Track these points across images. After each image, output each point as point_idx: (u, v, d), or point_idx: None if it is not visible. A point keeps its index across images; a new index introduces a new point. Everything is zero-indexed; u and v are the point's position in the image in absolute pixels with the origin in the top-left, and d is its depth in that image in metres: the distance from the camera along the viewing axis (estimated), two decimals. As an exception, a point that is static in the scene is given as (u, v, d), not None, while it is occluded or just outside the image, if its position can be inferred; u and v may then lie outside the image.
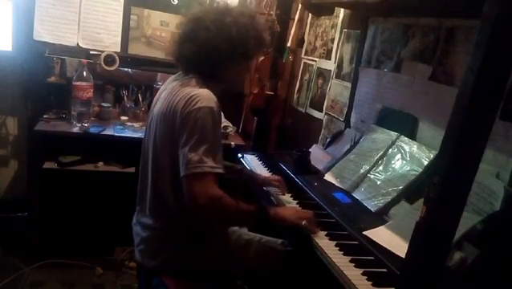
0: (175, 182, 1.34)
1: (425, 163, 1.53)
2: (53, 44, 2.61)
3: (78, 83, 2.45)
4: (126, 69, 2.78)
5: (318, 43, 2.59)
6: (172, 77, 1.51)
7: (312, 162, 2.00)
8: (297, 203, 1.66)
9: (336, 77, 2.34)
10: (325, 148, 2.18)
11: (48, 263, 2.39)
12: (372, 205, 1.55)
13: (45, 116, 2.53)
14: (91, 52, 2.66)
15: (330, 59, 2.42)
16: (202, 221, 1.39)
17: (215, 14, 1.37)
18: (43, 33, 2.59)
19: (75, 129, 2.42)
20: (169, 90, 1.39)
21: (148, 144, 1.45)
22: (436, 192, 0.82)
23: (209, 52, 1.34)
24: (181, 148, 1.27)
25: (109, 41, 2.72)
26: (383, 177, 1.62)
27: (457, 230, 0.87)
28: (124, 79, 2.79)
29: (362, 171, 1.70)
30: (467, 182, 0.83)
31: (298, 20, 2.70)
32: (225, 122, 2.70)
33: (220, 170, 1.28)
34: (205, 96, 1.29)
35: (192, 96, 1.28)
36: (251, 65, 1.61)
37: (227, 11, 1.38)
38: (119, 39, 2.75)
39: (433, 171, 1.30)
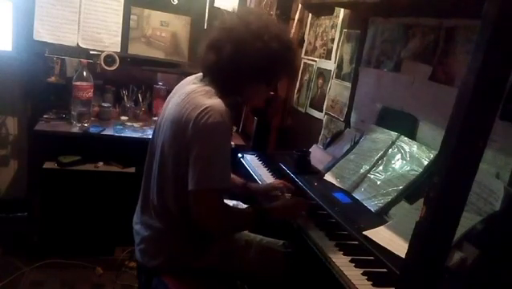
0: (176, 186, 1.35)
1: (425, 163, 1.53)
2: (53, 44, 2.61)
3: (78, 83, 2.45)
4: (126, 69, 2.78)
5: (318, 43, 2.59)
6: (191, 78, 1.47)
7: (312, 162, 2.00)
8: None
9: (336, 77, 2.34)
10: (325, 148, 2.18)
11: (48, 263, 2.39)
12: (372, 205, 1.55)
13: (45, 116, 2.53)
14: (91, 52, 2.66)
15: (330, 59, 2.42)
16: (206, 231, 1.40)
17: (247, 34, 1.29)
18: (43, 33, 2.59)
19: (75, 129, 2.42)
20: (184, 94, 1.36)
21: (156, 143, 1.44)
22: (436, 192, 0.82)
23: (229, 69, 1.31)
24: (192, 162, 1.27)
25: (109, 41, 2.73)
26: (383, 177, 1.62)
27: (457, 230, 0.87)
28: (124, 79, 2.79)
29: (362, 171, 1.70)
30: (467, 182, 0.83)
31: (298, 20, 2.70)
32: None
33: (227, 185, 1.30)
34: (218, 110, 1.26)
35: (206, 108, 1.25)
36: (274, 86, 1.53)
37: (260, 33, 1.30)
38: (119, 39, 2.75)
39: (433, 171, 1.30)
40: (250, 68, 1.31)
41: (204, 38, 1.39)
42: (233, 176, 1.76)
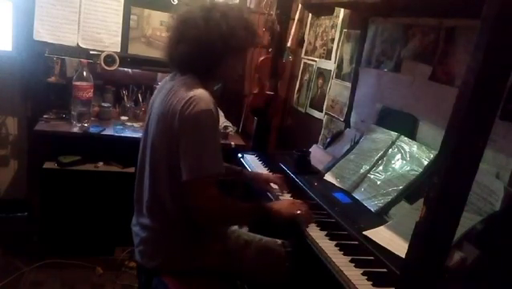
0: (171, 182, 1.35)
1: (425, 163, 1.53)
2: (53, 44, 2.61)
3: (78, 83, 2.45)
4: (126, 69, 2.78)
5: (318, 43, 2.59)
6: (168, 77, 1.51)
7: (312, 162, 2.00)
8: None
9: (336, 77, 2.34)
10: (325, 148, 2.18)
11: (48, 263, 2.39)
12: (372, 205, 1.55)
13: (45, 116, 2.53)
14: (91, 52, 2.66)
15: (330, 59, 2.42)
16: (203, 223, 1.39)
17: (202, 11, 1.35)
18: (43, 33, 2.59)
19: (75, 129, 2.42)
20: (166, 90, 1.39)
21: (145, 144, 1.46)
22: (436, 192, 0.82)
23: (202, 50, 1.34)
24: (183, 153, 1.29)
25: (109, 41, 2.72)
26: (383, 177, 1.62)
27: (457, 230, 0.87)
28: (124, 79, 2.79)
29: (362, 171, 1.70)
30: (467, 182, 0.83)
31: (298, 20, 2.70)
32: (225, 122, 2.70)
33: (220, 171, 1.31)
34: (202, 98, 1.29)
35: (190, 98, 1.28)
36: (246, 58, 1.58)
37: (214, 7, 1.37)
38: (119, 39, 2.75)
39: (433, 171, 1.30)
40: (218, 39, 1.34)
41: (165, 41, 1.45)
42: (227, 164, 1.77)
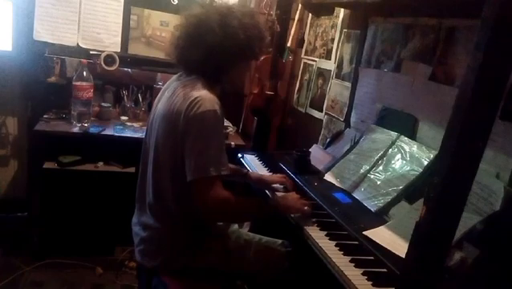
0: (175, 182, 1.35)
1: (425, 163, 1.53)
2: (53, 44, 2.61)
3: (78, 83, 2.45)
4: (126, 69, 2.78)
5: (318, 43, 2.59)
6: (174, 77, 1.51)
7: (312, 162, 2.00)
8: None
9: (336, 77, 2.34)
10: (325, 148, 2.18)
11: (48, 263, 2.39)
12: (372, 205, 1.55)
13: (45, 116, 2.53)
14: (91, 52, 2.66)
15: (330, 59, 2.42)
16: (209, 221, 1.40)
17: (220, 17, 1.34)
18: (43, 33, 2.59)
19: (75, 129, 2.42)
20: (172, 90, 1.39)
21: (149, 143, 1.46)
22: (436, 192, 0.82)
23: (217, 56, 1.34)
24: (187, 153, 1.29)
25: (109, 41, 2.72)
26: (383, 177, 1.62)
27: (457, 230, 0.87)
28: (124, 79, 2.79)
29: (362, 171, 1.70)
30: (467, 182, 0.83)
31: (298, 20, 2.70)
32: (225, 122, 2.70)
33: (226, 172, 1.31)
34: (208, 99, 1.29)
35: (195, 99, 1.28)
36: (253, 64, 1.59)
37: (230, 13, 1.35)
38: (119, 39, 2.75)
39: (433, 171, 1.30)
40: (236, 48, 1.34)
41: (173, 40, 1.42)
42: (234, 166, 1.78)
